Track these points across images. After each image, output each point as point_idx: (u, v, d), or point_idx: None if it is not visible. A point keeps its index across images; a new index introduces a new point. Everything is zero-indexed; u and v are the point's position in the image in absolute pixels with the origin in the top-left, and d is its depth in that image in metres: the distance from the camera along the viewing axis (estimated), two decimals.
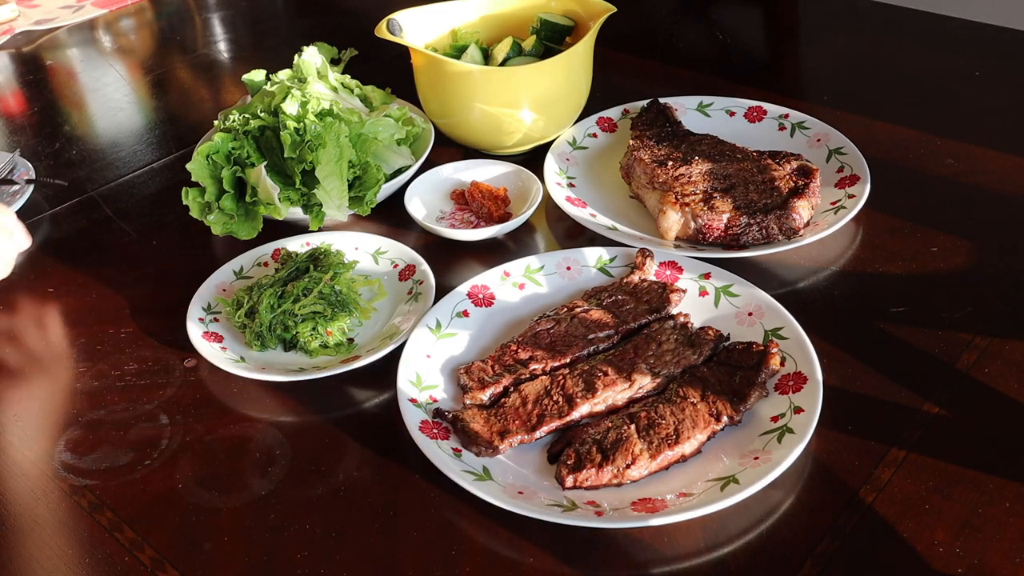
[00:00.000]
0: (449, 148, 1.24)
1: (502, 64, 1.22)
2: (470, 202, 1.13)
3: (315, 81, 1.18)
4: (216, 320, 0.98)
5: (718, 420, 0.81)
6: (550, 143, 1.21)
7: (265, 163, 1.07)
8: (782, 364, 0.85)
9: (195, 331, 0.95)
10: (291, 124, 1.07)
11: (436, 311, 0.95)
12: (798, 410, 0.81)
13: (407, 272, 1.02)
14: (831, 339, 0.88)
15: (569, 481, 0.78)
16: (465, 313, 0.96)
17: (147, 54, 1.72)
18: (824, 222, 1.03)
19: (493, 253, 1.07)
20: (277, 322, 0.94)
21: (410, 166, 1.16)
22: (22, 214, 1.17)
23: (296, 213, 1.08)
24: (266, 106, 1.13)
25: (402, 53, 1.21)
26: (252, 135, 1.10)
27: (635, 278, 0.97)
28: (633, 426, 0.81)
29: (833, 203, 1.06)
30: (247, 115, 1.12)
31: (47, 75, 1.64)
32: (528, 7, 1.27)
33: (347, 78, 1.25)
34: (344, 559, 0.75)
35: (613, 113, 1.26)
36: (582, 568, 0.73)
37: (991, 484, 0.77)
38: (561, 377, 0.87)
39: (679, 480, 0.78)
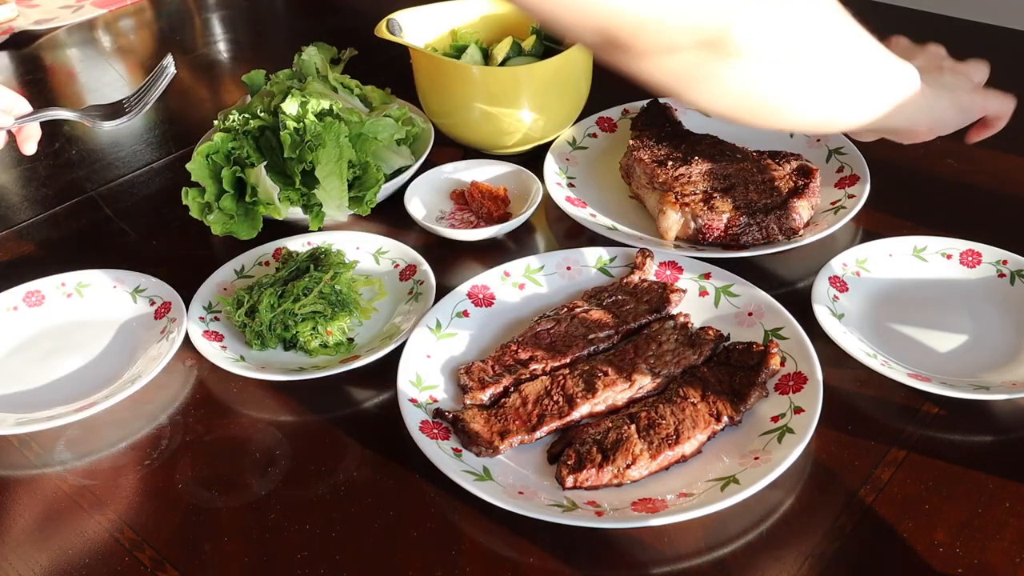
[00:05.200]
0: (449, 148, 1.24)
1: (502, 64, 1.22)
2: (470, 202, 1.13)
3: (315, 81, 1.18)
4: (216, 319, 0.98)
5: (718, 420, 0.81)
6: (550, 143, 1.21)
7: (265, 163, 1.07)
8: (782, 364, 0.85)
9: (195, 330, 0.95)
10: (291, 124, 1.07)
11: (436, 311, 0.95)
12: (798, 410, 0.81)
13: (408, 272, 1.02)
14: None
15: (569, 481, 0.78)
16: (465, 313, 0.96)
17: (147, 54, 1.72)
18: (824, 222, 1.03)
19: (493, 253, 1.07)
20: (277, 321, 0.94)
21: (410, 166, 1.16)
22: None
23: (296, 213, 1.08)
24: (266, 106, 1.13)
25: (402, 53, 1.21)
26: (252, 135, 1.10)
27: (635, 278, 0.97)
28: (633, 426, 0.81)
29: (833, 203, 1.06)
30: (247, 115, 1.12)
31: (47, 75, 1.65)
32: None
33: (347, 78, 1.25)
34: (344, 559, 0.75)
35: (613, 113, 1.26)
36: (582, 568, 0.73)
37: (991, 484, 0.77)
38: (561, 377, 0.87)
39: (679, 480, 0.78)
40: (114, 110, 0.96)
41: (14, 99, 0.93)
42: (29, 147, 0.95)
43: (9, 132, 0.95)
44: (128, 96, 0.98)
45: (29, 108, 0.94)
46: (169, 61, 0.95)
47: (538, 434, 0.82)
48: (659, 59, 0.62)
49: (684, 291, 0.96)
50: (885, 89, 0.76)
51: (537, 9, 0.59)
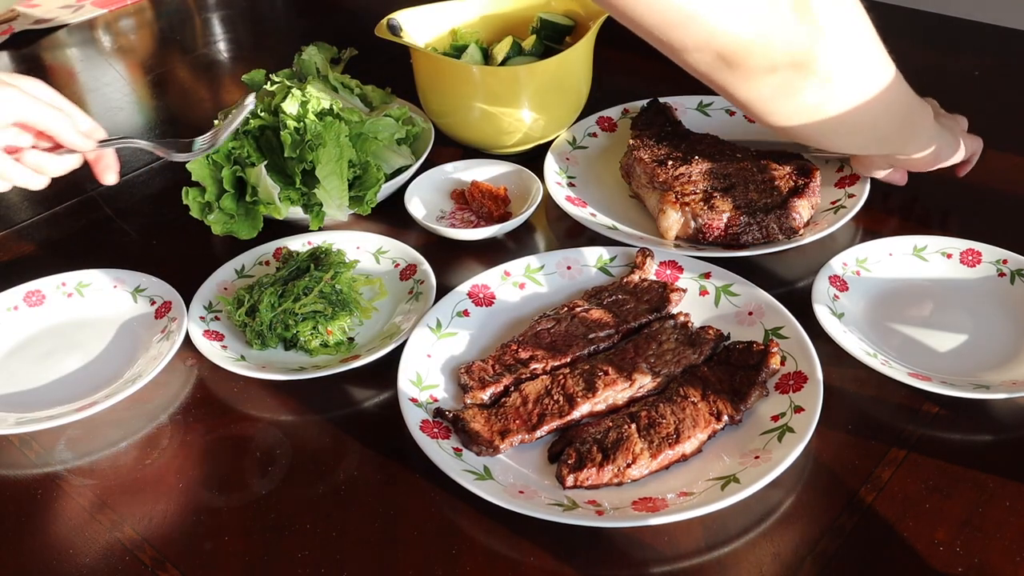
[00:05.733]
0: (449, 148, 1.24)
1: (502, 64, 1.22)
2: (470, 202, 1.13)
3: (315, 81, 1.18)
4: (217, 319, 0.98)
5: (718, 419, 0.81)
6: (550, 143, 1.21)
7: (265, 163, 1.07)
8: (782, 363, 0.85)
9: (196, 330, 0.95)
10: (291, 124, 1.07)
11: (436, 310, 0.95)
12: (798, 409, 0.81)
13: (408, 271, 1.02)
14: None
15: (570, 480, 0.78)
16: (465, 313, 0.96)
17: (147, 54, 1.72)
18: (824, 221, 1.03)
19: (493, 253, 1.07)
20: (278, 321, 0.94)
21: (410, 166, 1.16)
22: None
23: (296, 213, 1.08)
24: (266, 106, 1.13)
25: (402, 53, 1.21)
26: (252, 135, 1.10)
27: (635, 277, 0.97)
28: (634, 425, 0.81)
29: (833, 203, 1.06)
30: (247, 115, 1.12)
31: (47, 75, 1.65)
32: (528, 7, 1.27)
33: (347, 78, 1.25)
34: (344, 559, 0.75)
35: (613, 113, 1.26)
36: (582, 567, 0.73)
37: (991, 483, 0.77)
38: (562, 376, 0.87)
39: (680, 479, 0.78)
40: (188, 144, 0.93)
41: (93, 124, 0.89)
42: (110, 177, 0.91)
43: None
44: (206, 133, 0.95)
45: (105, 133, 0.90)
46: (251, 100, 0.93)
47: (538, 433, 0.83)
48: (760, 77, 0.75)
49: (684, 290, 0.96)
50: (918, 113, 0.91)
51: (666, 38, 0.72)
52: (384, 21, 1.21)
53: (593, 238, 1.05)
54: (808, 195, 1.03)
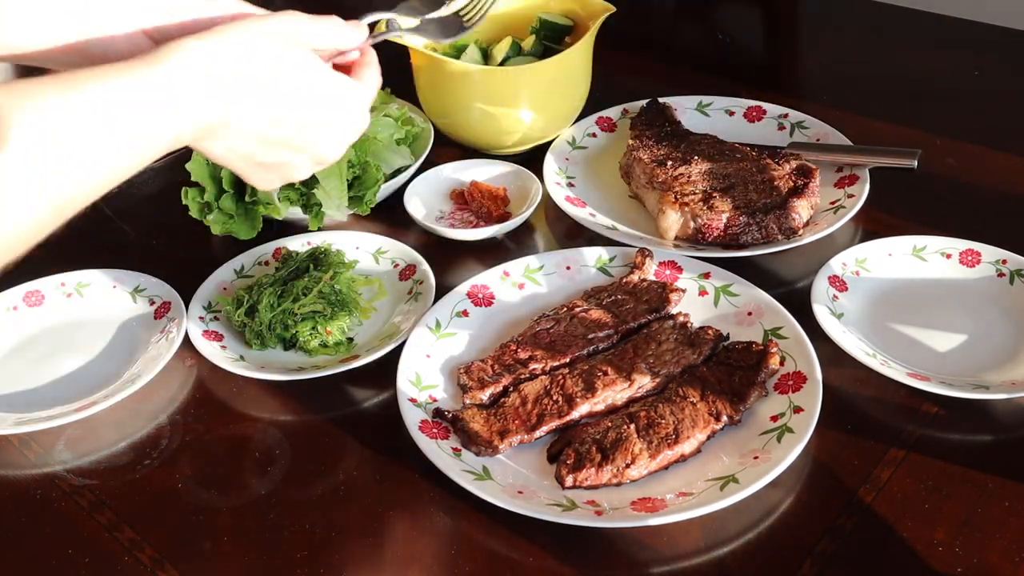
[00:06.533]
0: (449, 148, 1.24)
1: (501, 64, 1.22)
2: (470, 202, 1.13)
3: None
4: (216, 319, 0.98)
5: (718, 420, 0.81)
6: (549, 143, 1.21)
7: None
8: (782, 363, 0.85)
9: (195, 330, 0.95)
10: None
11: (436, 311, 0.95)
12: (798, 409, 0.81)
13: (407, 272, 1.02)
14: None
15: (569, 480, 0.78)
16: (465, 313, 0.96)
17: None
18: (823, 222, 1.03)
19: (493, 253, 1.07)
20: (277, 321, 0.94)
21: (410, 166, 1.16)
22: None
23: (296, 213, 1.08)
24: None
25: (402, 53, 1.21)
26: None
27: (635, 278, 0.97)
28: (633, 426, 0.81)
29: (832, 203, 1.06)
30: None
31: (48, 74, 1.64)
32: (528, 7, 1.27)
33: None
34: (344, 559, 0.75)
35: (612, 113, 1.26)
36: (582, 567, 0.73)
37: (991, 483, 0.77)
38: (561, 377, 0.87)
39: (679, 479, 0.78)
40: (446, 24, 0.81)
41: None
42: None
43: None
44: (462, 6, 0.82)
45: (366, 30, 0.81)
46: None
47: (537, 434, 0.83)
48: None
49: (683, 291, 0.96)
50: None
51: None
52: (384, 21, 1.21)
53: (592, 238, 1.05)
54: (808, 195, 1.03)
